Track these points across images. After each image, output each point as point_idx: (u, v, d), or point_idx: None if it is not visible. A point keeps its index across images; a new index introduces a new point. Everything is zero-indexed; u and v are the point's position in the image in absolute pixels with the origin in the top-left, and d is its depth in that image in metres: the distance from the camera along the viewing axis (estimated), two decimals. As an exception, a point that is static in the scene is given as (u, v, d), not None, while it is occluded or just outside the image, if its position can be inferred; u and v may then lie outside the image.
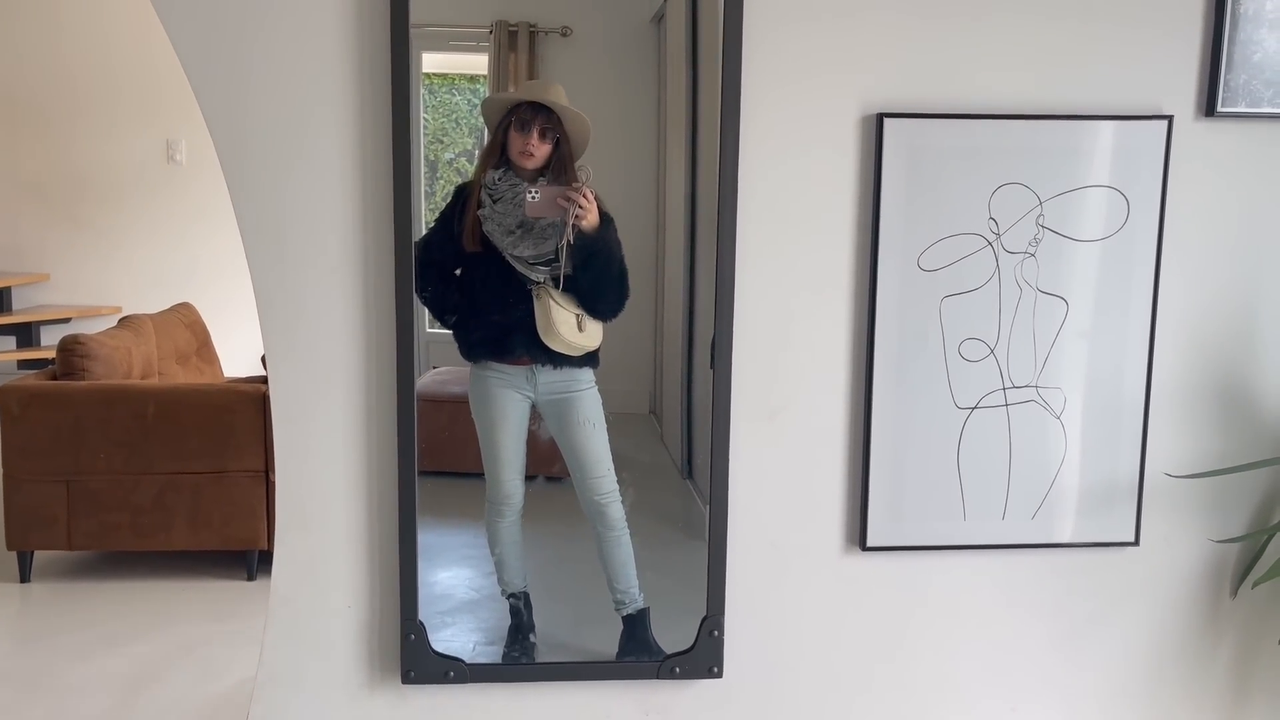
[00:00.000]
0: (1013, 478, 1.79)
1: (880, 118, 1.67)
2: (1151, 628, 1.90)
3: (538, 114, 1.68)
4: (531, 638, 1.80)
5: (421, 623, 1.70)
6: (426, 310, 1.75)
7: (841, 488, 1.78)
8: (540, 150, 1.67)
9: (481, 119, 1.79)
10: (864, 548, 1.78)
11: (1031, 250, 1.73)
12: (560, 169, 1.68)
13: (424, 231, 1.72)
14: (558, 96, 1.69)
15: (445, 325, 1.76)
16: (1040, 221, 1.72)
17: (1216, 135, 1.76)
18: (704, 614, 1.75)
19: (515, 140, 1.68)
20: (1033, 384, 1.76)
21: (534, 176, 1.68)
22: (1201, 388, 1.83)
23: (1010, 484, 1.79)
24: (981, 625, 1.85)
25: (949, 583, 1.83)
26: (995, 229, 1.72)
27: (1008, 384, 1.76)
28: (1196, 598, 1.90)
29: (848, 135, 1.69)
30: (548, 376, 1.75)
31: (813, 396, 1.75)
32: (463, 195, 1.71)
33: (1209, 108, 1.74)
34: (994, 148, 1.70)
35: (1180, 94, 1.74)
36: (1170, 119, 1.72)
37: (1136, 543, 1.83)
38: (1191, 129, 1.75)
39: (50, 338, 6.12)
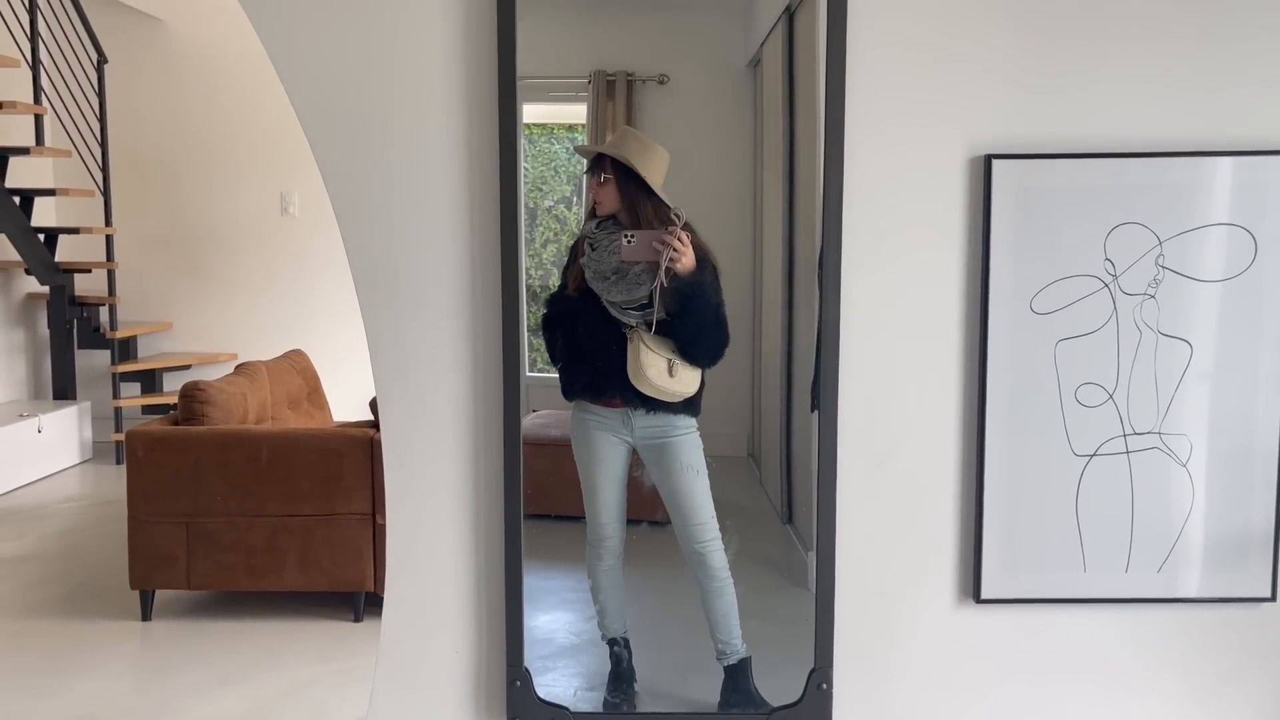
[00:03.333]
0: (1136, 528, 1.71)
1: (989, 159, 1.64)
2: (1291, 690, 1.78)
3: (600, 161, 1.73)
4: (633, 687, 1.79)
5: (527, 669, 1.70)
6: (526, 354, 1.79)
7: (954, 537, 1.73)
8: (603, 195, 1.72)
9: (582, 168, 1.83)
10: (978, 600, 1.72)
11: (1151, 292, 1.67)
12: (635, 210, 1.70)
13: (523, 280, 1.78)
14: (618, 141, 1.73)
15: (556, 369, 1.80)
16: (1160, 262, 1.66)
17: (1350, 168, 1.67)
18: (810, 665, 1.71)
19: (590, 190, 1.74)
20: (1155, 430, 1.69)
21: (633, 224, 1.70)
22: (1341, 434, 1.73)
23: (1133, 535, 1.71)
24: (1104, 684, 1.77)
25: (1069, 638, 1.75)
26: (1112, 270, 1.66)
27: (1128, 430, 1.69)
28: (1341, 658, 1.78)
29: (955, 177, 1.67)
30: (643, 421, 1.76)
31: (922, 443, 1.71)
32: (575, 248, 1.77)
33: (1341, 140, 1.66)
34: (1108, 186, 1.65)
35: (1309, 127, 1.67)
36: (1298, 153, 1.65)
37: (1273, 598, 1.73)
38: (1322, 163, 1.67)
39: (172, 384, 6.42)
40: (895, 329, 1.69)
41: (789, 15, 1.77)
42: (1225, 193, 1.66)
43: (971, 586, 1.73)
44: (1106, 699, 1.77)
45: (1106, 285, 1.67)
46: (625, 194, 1.71)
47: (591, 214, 1.74)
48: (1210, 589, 1.72)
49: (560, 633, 1.85)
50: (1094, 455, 1.69)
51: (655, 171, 1.70)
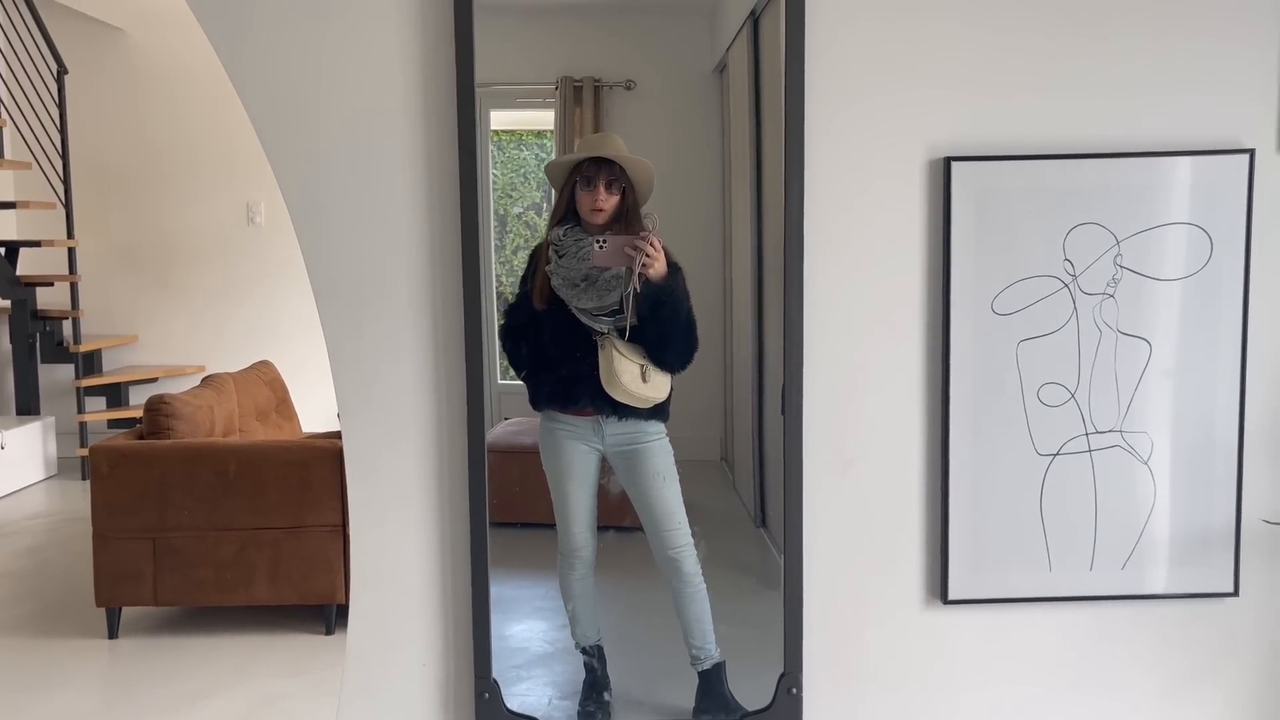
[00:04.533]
0: (1100, 526, 1.72)
1: (948, 161, 1.65)
2: (1254, 683, 1.80)
3: (601, 169, 1.69)
4: (606, 695, 1.78)
5: (495, 681, 1.69)
6: (498, 362, 1.78)
7: (920, 539, 1.74)
8: (609, 203, 1.69)
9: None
10: (945, 601, 1.73)
11: (1110, 291, 1.68)
12: (627, 219, 1.69)
13: (493, 288, 1.77)
14: (617, 147, 1.71)
15: (520, 378, 1.78)
16: (1118, 261, 1.68)
17: (1302, 167, 1.70)
18: (781, 669, 1.71)
19: (584, 199, 1.70)
20: (1117, 429, 1.71)
21: (601, 229, 1.70)
22: (1299, 429, 1.75)
23: (1097, 533, 1.72)
24: (1072, 681, 1.78)
25: (1036, 637, 1.76)
26: (1071, 270, 1.68)
27: (1090, 429, 1.70)
28: (1304, 651, 1.80)
29: (915, 179, 1.67)
30: (614, 428, 1.75)
31: (888, 445, 1.72)
32: (535, 256, 1.75)
33: (1293, 139, 1.68)
34: (1067, 187, 1.66)
35: (1262, 126, 1.69)
36: (1252, 152, 1.67)
37: (1236, 593, 1.75)
38: (1275, 162, 1.70)
39: (139, 397, 6.33)
40: (859, 332, 1.70)
41: (754, 20, 1.77)
42: (1181, 192, 1.68)
43: (939, 588, 1.74)
44: (1076, 697, 1.78)
45: (1066, 285, 1.68)
46: (625, 201, 1.70)
47: (560, 220, 1.72)
48: (1175, 585, 1.74)
49: (534, 641, 1.84)
50: (1057, 454, 1.71)
51: (651, 184, 1.70)
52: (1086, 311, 1.68)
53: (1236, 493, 1.72)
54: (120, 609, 3.87)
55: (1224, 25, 1.67)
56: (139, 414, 4.42)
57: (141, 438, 3.89)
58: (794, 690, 1.71)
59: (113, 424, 6.42)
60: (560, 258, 1.71)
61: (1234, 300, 1.69)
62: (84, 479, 6.12)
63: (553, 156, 1.95)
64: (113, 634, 3.86)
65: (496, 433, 1.84)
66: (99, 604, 3.82)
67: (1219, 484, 1.72)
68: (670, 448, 1.76)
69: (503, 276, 1.85)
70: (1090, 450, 1.71)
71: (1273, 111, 1.69)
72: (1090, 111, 1.68)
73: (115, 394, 6.54)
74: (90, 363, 6.46)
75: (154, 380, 6.58)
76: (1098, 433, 1.71)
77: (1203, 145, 1.68)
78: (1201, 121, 1.69)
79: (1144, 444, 1.71)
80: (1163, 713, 1.79)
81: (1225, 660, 1.79)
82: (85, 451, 6.04)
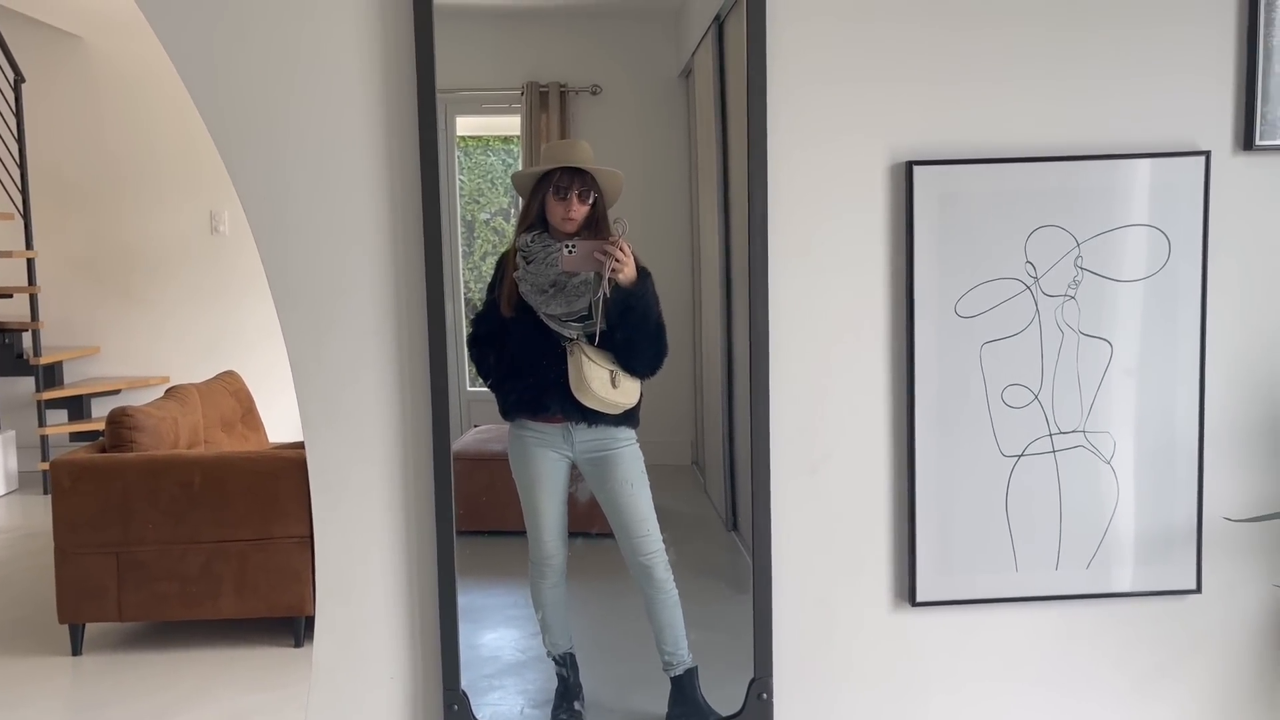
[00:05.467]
0: (1065, 526, 1.74)
1: (909, 165, 1.66)
2: (1219, 678, 1.82)
3: (574, 179, 1.69)
4: (577, 704, 1.77)
5: (464, 692, 1.68)
6: (467, 369, 1.77)
7: (888, 542, 1.75)
8: (581, 213, 1.69)
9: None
10: (914, 603, 1.73)
11: (1071, 293, 1.70)
12: (596, 225, 1.68)
13: (461, 294, 1.76)
14: (586, 155, 1.70)
15: (488, 386, 1.77)
16: (1079, 263, 1.70)
17: (1256, 169, 1.73)
18: (753, 675, 1.71)
19: (555, 208, 1.70)
20: (1080, 429, 1.72)
21: (570, 237, 1.69)
22: (1257, 427, 1.78)
23: (1062, 533, 1.74)
24: (1040, 680, 1.79)
25: (1004, 637, 1.78)
26: (1033, 272, 1.70)
27: (1054, 430, 1.72)
28: (1265, 646, 1.82)
29: (877, 183, 1.69)
30: (583, 435, 1.75)
31: (854, 448, 1.73)
32: (502, 263, 1.74)
33: (1247, 141, 1.71)
34: (1027, 190, 1.68)
35: (1216, 129, 1.72)
36: (1207, 154, 1.70)
37: (1199, 590, 1.77)
38: (1230, 164, 1.72)
39: (101, 410, 6.24)
40: (824, 335, 1.71)
41: (718, 25, 1.77)
42: (1139, 194, 1.70)
43: (907, 590, 1.74)
44: (1043, 696, 1.79)
45: (1028, 287, 1.70)
46: (595, 210, 1.69)
47: (528, 226, 1.71)
48: (1139, 583, 1.76)
49: (505, 650, 1.83)
50: (1022, 455, 1.72)
51: (620, 190, 1.70)
52: (1048, 313, 1.70)
53: (1198, 491, 1.75)
54: (84, 625, 3.81)
55: (1180, 29, 1.70)
56: (101, 427, 4.37)
57: (104, 451, 3.83)
58: (764, 695, 1.71)
59: (75, 437, 6.32)
60: (528, 264, 1.70)
61: (1192, 300, 1.72)
62: (46, 493, 6.02)
63: (520, 161, 1.94)
64: (76, 651, 3.80)
65: (466, 440, 1.83)
66: (62, 620, 3.76)
67: (1180, 482, 1.74)
68: (640, 453, 1.75)
69: (471, 283, 1.84)
70: (1054, 451, 1.73)
71: (1228, 114, 1.72)
72: (1050, 115, 1.69)
73: (77, 406, 6.44)
74: (51, 375, 6.36)
75: (116, 392, 6.48)
76: (1061, 433, 1.72)
77: (1160, 148, 1.70)
78: (1159, 125, 1.71)
79: (1107, 444, 1.73)
80: (1130, 709, 1.81)
81: (1190, 656, 1.81)
82: (47, 465, 5.93)
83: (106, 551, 3.68)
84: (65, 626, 3.81)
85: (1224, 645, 1.82)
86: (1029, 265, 1.69)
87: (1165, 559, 1.76)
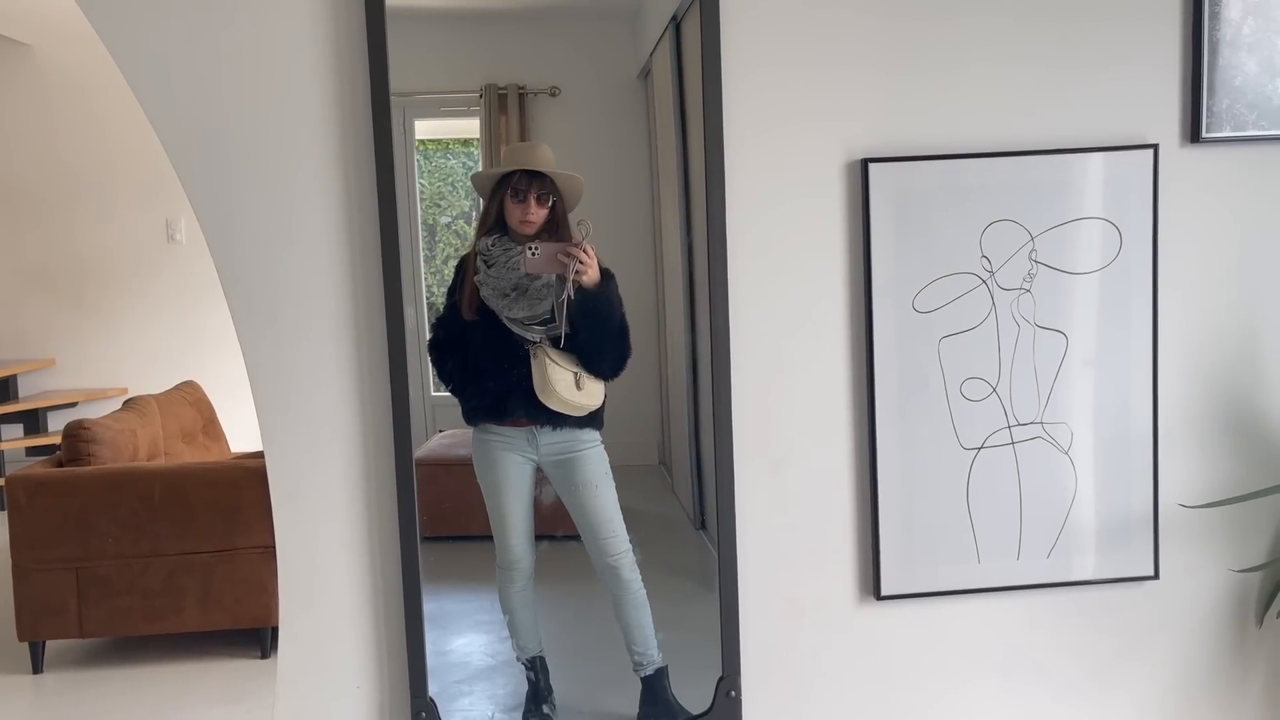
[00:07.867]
0: (1025, 517, 1.76)
1: (865, 162, 1.68)
2: (1178, 662, 1.86)
3: (532, 182, 1.69)
4: (547, 708, 1.77)
5: (433, 700, 1.67)
6: (430, 374, 1.76)
7: (852, 536, 1.76)
8: (539, 216, 1.69)
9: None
10: (879, 597, 1.75)
11: (1026, 286, 1.73)
12: (556, 228, 1.68)
13: (424, 299, 1.75)
14: (546, 158, 1.70)
15: (450, 391, 1.76)
16: (1033, 257, 1.72)
17: (1204, 161, 1.76)
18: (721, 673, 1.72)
19: (513, 211, 1.69)
20: (1038, 420, 1.75)
21: (530, 240, 1.69)
22: (1210, 415, 1.81)
23: (1023, 523, 1.76)
24: (1005, 669, 1.81)
25: (968, 628, 1.80)
26: (988, 266, 1.72)
27: (1012, 422, 1.74)
28: (1222, 629, 1.86)
29: (833, 181, 1.70)
30: (548, 438, 1.74)
31: (816, 445, 1.74)
32: (462, 267, 1.73)
33: (1194, 134, 1.74)
34: (981, 186, 1.70)
35: (1164, 122, 1.75)
36: (1155, 147, 1.73)
37: (1156, 576, 1.80)
38: (1178, 156, 1.75)
39: (58, 423, 6.12)
40: (784, 333, 1.72)
41: (676, 25, 1.78)
42: (1091, 188, 1.73)
43: (872, 584, 1.76)
44: (1007, 684, 1.82)
45: (984, 281, 1.72)
46: (554, 213, 1.69)
47: (487, 230, 1.71)
48: (1098, 571, 1.79)
49: (475, 655, 1.82)
50: (981, 448, 1.74)
51: (580, 194, 1.70)
52: (1004, 307, 1.72)
53: (1153, 479, 1.78)
54: (44, 643, 3.75)
55: (1127, 23, 1.72)
56: (58, 440, 4.29)
57: (61, 465, 3.77)
58: (733, 693, 1.72)
59: (31, 452, 6.21)
60: (489, 268, 1.70)
61: (1144, 292, 1.74)
62: (1, 509, 5.91)
63: (480, 164, 1.94)
64: (37, 669, 3.74)
65: (430, 445, 1.82)
66: (21, 638, 3.69)
67: (1136, 471, 1.77)
68: (605, 455, 1.75)
69: (434, 287, 1.83)
70: (1013, 442, 1.75)
71: (1175, 108, 1.75)
72: (1002, 113, 1.71)
73: (33, 420, 6.32)
74: (5, 389, 6.24)
75: (73, 405, 6.37)
76: (1019, 425, 1.75)
77: (1111, 142, 1.73)
78: (1109, 119, 1.74)
79: (1064, 435, 1.76)
80: (1092, 694, 1.84)
81: (1148, 641, 1.84)
82: (2, 481, 5.82)
83: (66, 567, 3.62)
84: (25, 644, 3.74)
85: (1182, 629, 1.85)
86: (985, 259, 1.71)
87: (1123, 546, 1.78)
